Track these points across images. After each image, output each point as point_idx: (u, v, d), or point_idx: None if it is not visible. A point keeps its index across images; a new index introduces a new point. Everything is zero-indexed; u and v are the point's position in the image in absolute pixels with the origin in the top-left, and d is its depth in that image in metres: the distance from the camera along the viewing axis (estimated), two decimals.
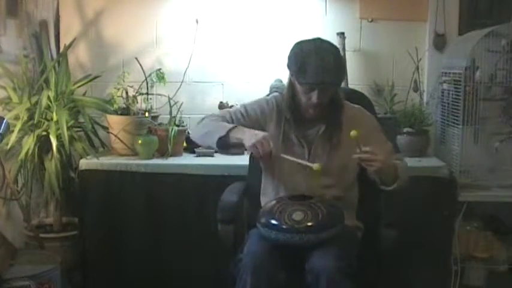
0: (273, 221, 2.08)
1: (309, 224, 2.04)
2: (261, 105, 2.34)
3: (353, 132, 2.09)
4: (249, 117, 2.32)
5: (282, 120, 2.29)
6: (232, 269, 2.15)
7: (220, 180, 2.65)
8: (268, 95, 2.47)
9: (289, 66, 2.18)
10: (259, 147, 2.12)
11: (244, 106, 2.37)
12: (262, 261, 2.03)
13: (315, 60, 2.10)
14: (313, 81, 2.11)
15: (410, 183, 2.25)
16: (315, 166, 2.15)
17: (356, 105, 2.39)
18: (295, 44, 2.21)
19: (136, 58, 3.15)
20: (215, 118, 2.33)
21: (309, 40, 2.20)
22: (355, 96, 2.59)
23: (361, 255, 2.17)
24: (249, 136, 2.16)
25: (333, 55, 2.15)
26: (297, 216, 2.05)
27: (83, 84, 3.11)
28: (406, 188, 2.23)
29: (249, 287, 2.00)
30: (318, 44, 2.18)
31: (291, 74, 2.20)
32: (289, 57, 2.18)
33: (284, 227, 2.05)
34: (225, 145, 2.23)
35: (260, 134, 2.15)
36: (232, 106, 3.25)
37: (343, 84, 3.09)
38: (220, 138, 2.20)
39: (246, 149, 2.22)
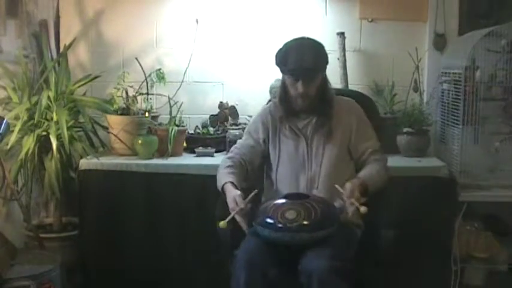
0: (267, 220, 2.10)
1: (302, 223, 2.04)
2: (255, 122, 2.51)
3: (363, 209, 2.07)
4: (256, 141, 2.45)
5: (275, 121, 2.44)
6: (230, 266, 2.15)
7: None
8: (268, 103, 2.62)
9: (275, 62, 2.38)
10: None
11: (248, 133, 2.50)
12: (255, 258, 2.06)
13: (295, 52, 2.31)
14: (293, 67, 2.30)
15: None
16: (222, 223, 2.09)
17: (348, 98, 2.52)
18: (283, 44, 2.39)
19: (136, 58, 3.15)
20: (224, 164, 2.37)
21: (295, 38, 2.40)
22: (358, 98, 2.61)
23: (361, 255, 2.17)
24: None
25: (313, 48, 2.35)
26: (290, 214, 2.07)
27: (83, 84, 3.11)
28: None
29: (243, 283, 2.02)
30: (301, 40, 2.38)
31: (278, 68, 2.38)
32: (275, 55, 2.38)
33: (277, 225, 2.06)
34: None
35: (229, 202, 2.16)
36: (232, 106, 3.26)
37: (343, 86, 3.13)
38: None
39: None
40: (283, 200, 2.16)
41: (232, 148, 2.50)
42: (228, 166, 2.32)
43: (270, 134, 2.45)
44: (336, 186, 2.21)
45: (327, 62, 2.37)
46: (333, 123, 2.37)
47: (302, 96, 2.33)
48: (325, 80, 2.39)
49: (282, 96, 2.41)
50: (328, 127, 2.36)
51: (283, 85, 2.40)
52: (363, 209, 2.05)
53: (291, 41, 2.38)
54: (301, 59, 2.29)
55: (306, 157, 2.36)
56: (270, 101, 2.74)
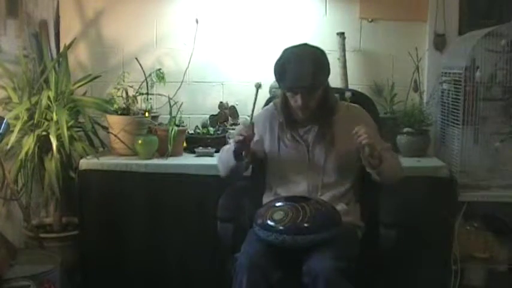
0: (258, 220, 2.12)
1: (286, 225, 2.04)
2: (257, 120, 2.46)
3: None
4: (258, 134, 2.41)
5: (275, 125, 2.40)
6: (230, 268, 2.15)
7: (220, 180, 2.65)
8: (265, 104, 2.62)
9: (274, 74, 2.29)
10: (241, 139, 2.22)
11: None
12: (257, 261, 2.05)
13: (293, 67, 2.21)
14: (291, 85, 2.24)
15: (403, 179, 2.34)
16: None
17: (355, 105, 2.46)
18: (282, 52, 2.31)
19: (136, 58, 3.15)
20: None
21: (294, 46, 2.30)
22: (358, 98, 2.61)
23: (361, 255, 2.17)
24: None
25: (313, 60, 2.23)
26: (277, 215, 2.08)
27: (83, 84, 3.11)
28: (399, 182, 2.30)
29: (245, 285, 2.01)
30: (301, 49, 2.28)
31: (277, 81, 2.31)
32: (274, 66, 2.29)
33: (265, 225, 2.08)
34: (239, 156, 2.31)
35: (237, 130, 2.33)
36: (232, 106, 3.26)
37: (343, 86, 3.13)
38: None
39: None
40: (278, 202, 2.17)
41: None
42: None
43: (269, 138, 2.41)
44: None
45: (328, 74, 2.28)
46: (336, 131, 2.32)
47: (302, 109, 2.28)
48: (326, 89, 2.32)
49: (283, 105, 2.36)
50: (331, 136, 2.32)
51: (284, 95, 2.34)
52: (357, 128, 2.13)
53: (290, 50, 2.28)
54: (300, 75, 2.19)
55: (306, 165, 2.33)
56: (268, 100, 2.73)
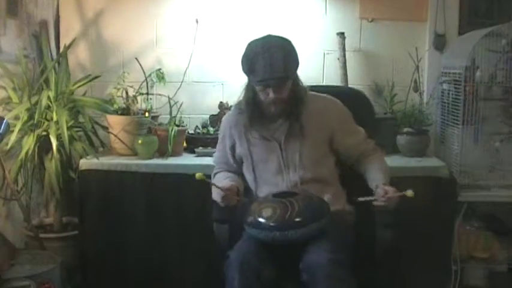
0: (248, 218, 2.12)
1: (275, 221, 2.04)
2: (221, 134, 2.45)
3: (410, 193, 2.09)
4: (226, 150, 2.41)
5: (242, 128, 2.34)
6: (223, 267, 2.15)
7: None
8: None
9: (242, 69, 2.23)
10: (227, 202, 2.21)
11: (217, 147, 2.50)
12: (248, 258, 2.04)
13: (262, 59, 2.14)
14: (263, 78, 2.15)
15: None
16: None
17: (322, 94, 2.39)
18: (246, 46, 2.25)
19: (136, 58, 3.15)
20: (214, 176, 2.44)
21: (258, 39, 2.23)
22: (354, 96, 2.60)
23: (361, 255, 2.17)
24: (215, 196, 2.26)
25: (281, 50, 2.17)
26: (266, 212, 2.07)
27: (83, 84, 3.11)
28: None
29: (237, 283, 2.00)
30: (266, 41, 2.20)
31: (246, 76, 2.25)
32: (241, 60, 2.23)
33: (255, 223, 2.08)
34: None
35: (220, 192, 2.21)
36: (231, 106, 3.25)
37: (342, 84, 3.13)
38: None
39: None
40: (266, 199, 2.17)
41: (214, 164, 2.51)
42: (216, 173, 2.43)
43: (237, 144, 2.36)
44: (361, 199, 2.17)
45: (297, 65, 2.22)
46: (307, 123, 2.26)
47: (274, 103, 2.21)
48: (296, 80, 2.26)
49: (250, 100, 2.27)
50: (303, 130, 2.25)
51: (252, 90, 2.26)
52: (409, 192, 2.07)
53: (255, 43, 2.21)
54: (271, 67, 2.13)
55: (281, 163, 2.28)
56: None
